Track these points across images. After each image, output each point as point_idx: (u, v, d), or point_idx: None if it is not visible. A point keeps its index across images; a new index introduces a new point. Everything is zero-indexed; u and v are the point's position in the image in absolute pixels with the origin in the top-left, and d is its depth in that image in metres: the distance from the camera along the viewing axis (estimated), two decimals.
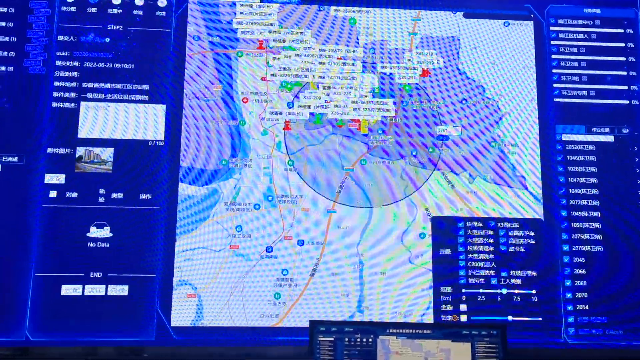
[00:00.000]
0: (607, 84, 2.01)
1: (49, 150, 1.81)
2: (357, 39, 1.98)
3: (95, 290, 1.75)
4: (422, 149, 1.93)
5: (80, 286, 1.75)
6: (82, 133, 1.84)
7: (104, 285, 1.76)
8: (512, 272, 1.86)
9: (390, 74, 1.97)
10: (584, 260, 1.88)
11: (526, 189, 1.92)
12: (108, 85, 1.87)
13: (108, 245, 1.78)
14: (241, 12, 1.96)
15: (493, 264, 1.87)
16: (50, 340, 1.72)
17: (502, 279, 1.86)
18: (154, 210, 1.81)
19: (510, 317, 1.82)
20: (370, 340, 1.40)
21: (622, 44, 2.04)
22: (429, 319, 1.81)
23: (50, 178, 1.80)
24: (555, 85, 2.00)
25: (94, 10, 1.91)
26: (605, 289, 1.87)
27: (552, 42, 2.03)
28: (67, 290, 1.74)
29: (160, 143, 1.85)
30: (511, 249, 1.88)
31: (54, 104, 1.84)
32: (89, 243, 1.78)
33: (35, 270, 1.74)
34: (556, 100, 1.99)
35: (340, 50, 1.97)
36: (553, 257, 1.88)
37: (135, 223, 1.80)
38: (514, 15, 2.04)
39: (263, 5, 1.97)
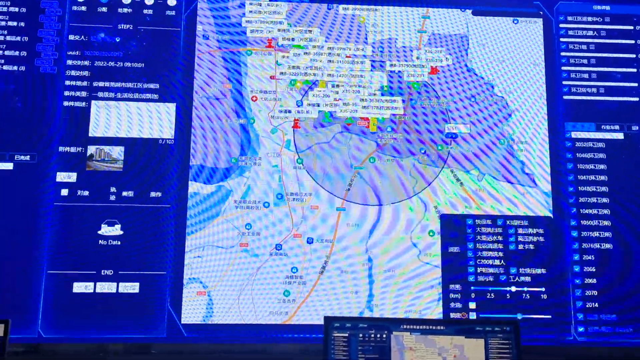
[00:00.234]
0: (617, 81, 2.00)
1: (61, 148, 1.83)
2: (366, 37, 1.98)
3: (106, 287, 1.77)
4: (431, 146, 1.93)
5: (92, 284, 1.76)
6: (93, 132, 1.85)
7: (115, 283, 1.77)
8: (522, 270, 1.86)
9: (399, 71, 1.97)
10: (593, 258, 1.88)
11: (535, 186, 1.92)
12: (118, 84, 1.88)
13: (119, 243, 1.79)
14: (250, 11, 1.97)
15: (502, 261, 1.87)
16: (62, 337, 1.74)
17: (511, 277, 1.86)
18: (164, 208, 1.82)
19: (519, 315, 1.82)
20: (384, 336, 1.41)
21: (632, 41, 2.04)
22: (438, 316, 1.81)
23: (62, 176, 1.81)
24: (564, 82, 2.00)
25: (104, 9, 1.92)
26: (616, 286, 1.86)
27: (562, 40, 2.03)
28: (79, 287, 1.76)
29: (170, 141, 1.86)
30: (520, 247, 1.88)
31: (65, 103, 1.86)
32: (100, 241, 1.79)
33: (47, 267, 1.76)
34: (565, 97, 1.99)
35: (349, 48, 1.97)
36: (562, 255, 1.88)
37: (145, 221, 1.81)
38: (523, 12, 2.03)
39: (272, 4, 1.97)
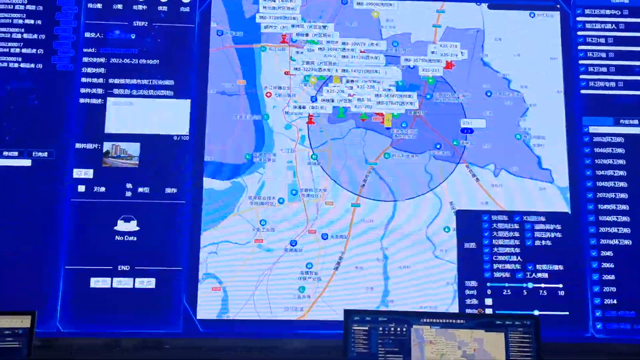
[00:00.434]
0: (636, 74, 1.97)
1: (77, 145, 1.85)
2: (380, 32, 1.97)
3: (123, 283, 1.78)
4: (446, 142, 1.91)
5: (109, 279, 1.78)
6: (109, 128, 1.86)
7: (132, 278, 1.78)
8: (538, 266, 1.84)
9: (414, 66, 1.95)
10: (611, 254, 1.86)
11: (552, 182, 1.90)
12: (134, 81, 1.89)
13: (135, 239, 1.81)
14: (264, 7, 1.96)
15: (519, 257, 1.85)
16: (80, 332, 1.75)
17: (528, 273, 1.84)
18: (180, 204, 1.83)
19: (536, 312, 1.80)
20: (404, 329, 1.40)
21: None
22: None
23: (79, 173, 1.83)
24: (582, 76, 1.97)
25: (119, 7, 1.93)
26: (634, 282, 1.83)
27: (579, 33, 2.00)
28: (96, 282, 1.78)
29: (185, 138, 1.87)
30: (537, 243, 1.86)
31: (82, 100, 1.87)
32: (116, 236, 1.80)
33: (65, 263, 1.78)
34: (583, 91, 1.96)
35: (363, 43, 1.96)
36: (580, 251, 1.86)
37: (161, 217, 1.82)
38: (539, 5, 2.01)
39: (286, 0, 1.97)
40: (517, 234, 1.87)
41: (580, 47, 1.99)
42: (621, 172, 1.91)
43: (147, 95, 1.89)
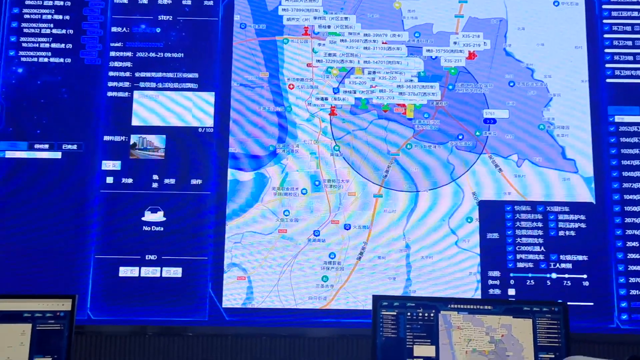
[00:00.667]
0: None
1: (106, 138, 1.89)
2: (402, 22, 1.97)
3: (150, 272, 1.83)
4: (468, 132, 1.91)
5: (137, 268, 1.83)
6: (136, 121, 1.90)
7: (159, 268, 1.83)
8: (562, 257, 1.84)
9: (436, 57, 1.95)
10: (637, 245, 1.84)
11: (577, 171, 1.88)
12: (159, 74, 1.93)
13: (162, 229, 1.85)
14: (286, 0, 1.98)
15: (542, 248, 1.85)
16: (110, 319, 1.81)
17: (552, 263, 1.83)
18: (205, 195, 1.87)
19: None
20: (431, 315, 1.42)
21: None
22: None
23: (107, 165, 1.88)
24: (607, 65, 1.95)
25: (145, 1, 1.96)
26: None
27: (604, 21, 1.97)
28: (125, 271, 1.82)
29: (209, 130, 1.90)
30: (561, 233, 1.85)
31: (109, 94, 1.92)
32: (144, 227, 1.85)
33: (94, 252, 1.83)
34: (608, 80, 1.94)
35: (385, 34, 1.96)
36: (605, 242, 1.84)
37: (187, 208, 1.86)
38: None
39: None
40: (540, 224, 1.86)
41: (605, 36, 1.96)
42: None
43: (172, 88, 1.92)
